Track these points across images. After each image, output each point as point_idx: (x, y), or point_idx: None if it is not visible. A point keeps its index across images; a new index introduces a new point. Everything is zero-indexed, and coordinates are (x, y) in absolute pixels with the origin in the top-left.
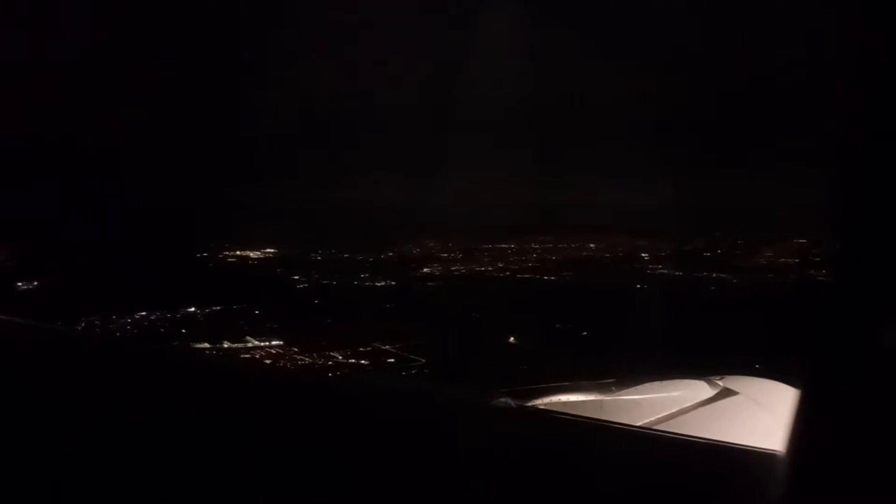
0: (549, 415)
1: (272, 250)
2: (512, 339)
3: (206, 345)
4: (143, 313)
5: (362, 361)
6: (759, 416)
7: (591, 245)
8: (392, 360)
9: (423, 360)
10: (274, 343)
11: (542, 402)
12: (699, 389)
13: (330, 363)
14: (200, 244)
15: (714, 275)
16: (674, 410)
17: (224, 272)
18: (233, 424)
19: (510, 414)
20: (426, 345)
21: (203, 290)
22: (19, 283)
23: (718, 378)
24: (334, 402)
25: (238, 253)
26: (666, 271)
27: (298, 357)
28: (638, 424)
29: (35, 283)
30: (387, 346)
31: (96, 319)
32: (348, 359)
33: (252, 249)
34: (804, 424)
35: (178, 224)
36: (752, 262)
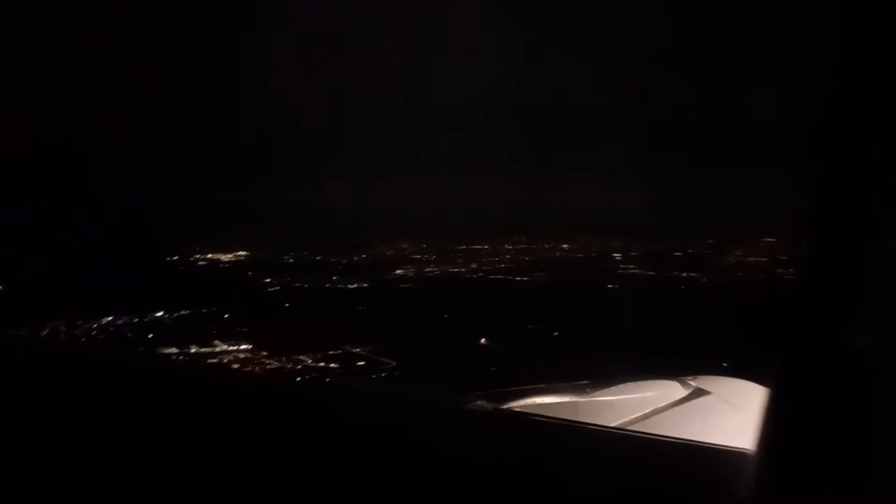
0: (524, 417)
1: (244, 253)
2: (483, 340)
3: (174, 349)
4: (110, 318)
5: (332, 365)
6: (730, 415)
7: (565, 245)
8: (362, 362)
9: (394, 363)
10: (243, 347)
11: (518, 404)
12: (672, 390)
13: (299, 367)
14: (170, 247)
15: (685, 274)
16: (648, 411)
17: (194, 275)
18: (198, 431)
19: (486, 416)
20: (397, 347)
21: (172, 293)
22: None
23: (691, 378)
24: (305, 406)
25: (209, 256)
26: (638, 271)
27: (267, 361)
28: (613, 425)
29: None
30: (357, 349)
31: (61, 324)
32: (318, 362)
33: (223, 252)
34: (774, 424)
35: (148, 227)
36: (722, 262)
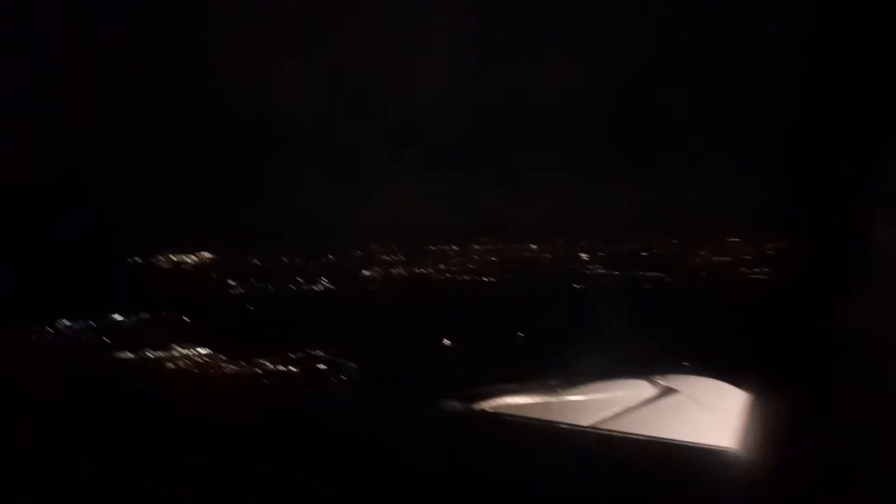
0: (497, 417)
1: (209, 255)
2: (447, 341)
3: (129, 354)
4: (65, 321)
5: (292, 368)
6: (699, 413)
7: (533, 246)
8: (323, 366)
9: (356, 366)
10: (201, 351)
11: (489, 404)
12: (642, 389)
13: (258, 371)
14: (133, 248)
15: (650, 274)
16: (618, 410)
17: (156, 277)
18: (145, 437)
19: (458, 417)
20: (360, 350)
21: (131, 296)
22: None
23: (660, 377)
24: (269, 414)
25: (173, 258)
26: (603, 271)
27: (225, 365)
28: (585, 424)
29: None
30: (318, 352)
31: (12, 328)
32: (277, 366)
33: (188, 254)
34: (758, 422)
35: (110, 227)
36: (687, 262)
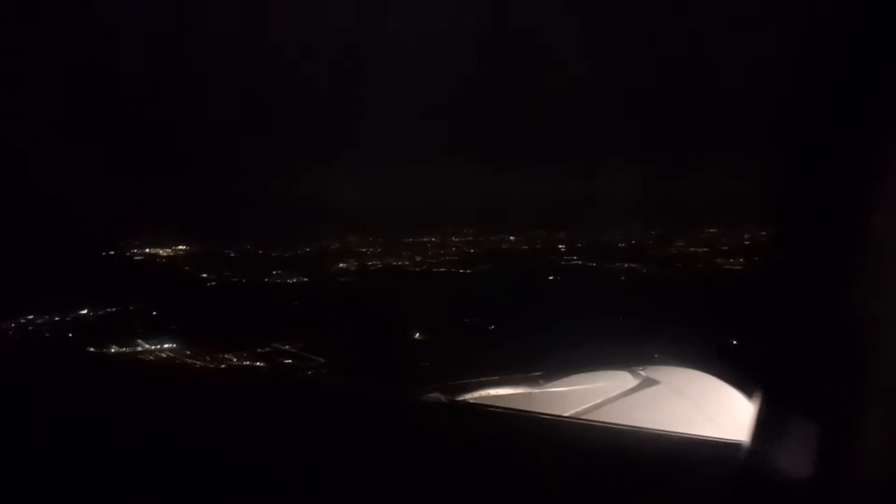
0: (479, 409)
1: (183, 247)
2: (418, 335)
3: (91, 349)
4: (31, 317)
5: (258, 363)
6: (678, 403)
7: (511, 237)
8: (290, 360)
9: (323, 360)
10: (166, 346)
11: (472, 396)
12: (623, 379)
13: (223, 366)
14: (106, 241)
15: (626, 265)
16: (599, 400)
17: (128, 270)
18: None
19: (441, 408)
20: (331, 344)
21: (102, 290)
22: None
23: (640, 368)
24: (246, 402)
25: (147, 250)
26: (580, 262)
27: (191, 361)
28: (566, 415)
29: None
30: (287, 346)
31: None
32: (244, 360)
33: (162, 247)
34: (767, 415)
35: (83, 219)
36: (664, 252)
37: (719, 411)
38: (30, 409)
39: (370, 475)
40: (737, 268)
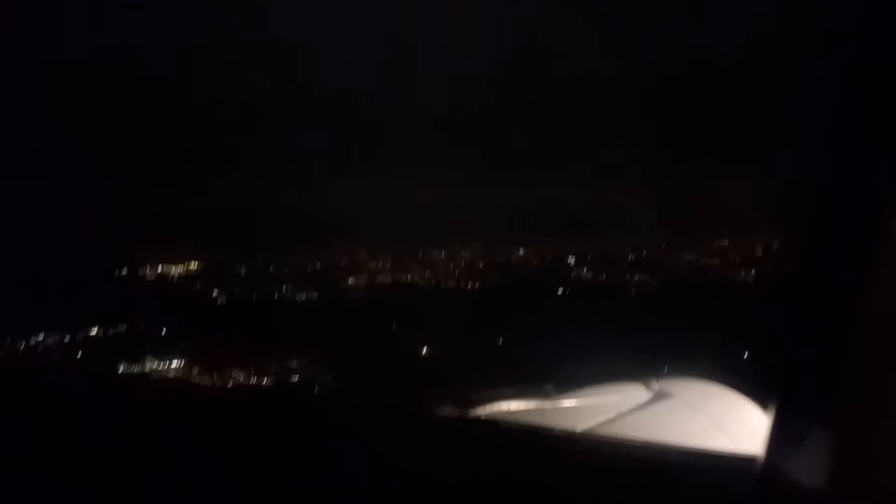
0: (491, 423)
1: (196, 262)
2: (426, 350)
3: (99, 369)
4: (41, 337)
5: (265, 380)
6: (693, 417)
7: (520, 250)
8: (298, 376)
9: (330, 377)
10: (174, 364)
11: (483, 410)
12: (636, 393)
13: (229, 384)
14: (117, 256)
15: (636, 277)
16: (613, 415)
17: (139, 288)
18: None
19: (452, 422)
20: (340, 360)
21: (112, 308)
22: None
23: (654, 381)
24: (257, 417)
25: (159, 267)
26: (590, 275)
27: (197, 378)
28: (579, 430)
29: None
30: (295, 363)
31: None
32: (250, 378)
33: (174, 262)
34: (783, 427)
35: (93, 234)
36: (675, 263)
37: (735, 424)
38: (38, 428)
39: (382, 490)
40: (750, 279)
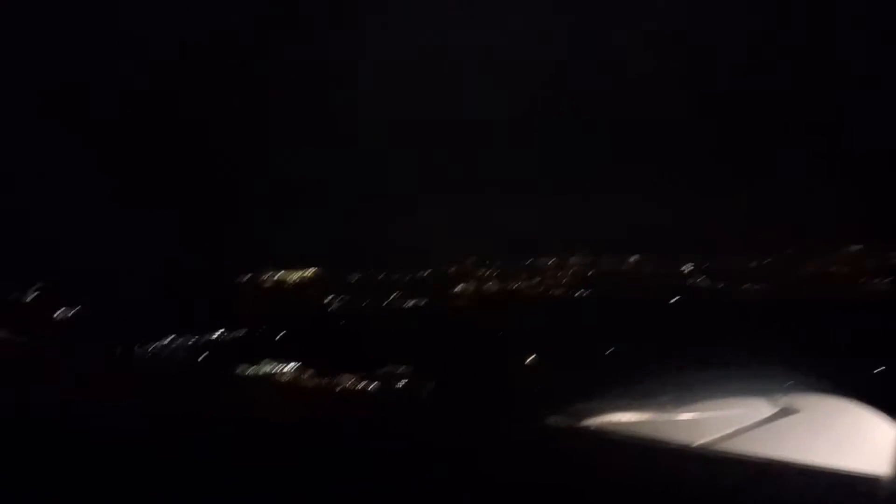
0: (602, 435)
1: (312, 269)
2: (533, 358)
3: (226, 368)
4: (172, 336)
5: (373, 384)
6: (822, 434)
7: (632, 258)
8: (404, 381)
9: (435, 384)
10: (290, 366)
11: (596, 421)
12: (758, 407)
13: (338, 388)
14: (241, 264)
15: (757, 287)
16: (733, 430)
17: (259, 294)
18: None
19: (562, 434)
20: (447, 367)
21: (233, 313)
22: (59, 311)
23: (778, 396)
24: (376, 424)
25: (277, 274)
26: (707, 283)
27: (309, 381)
28: (696, 444)
29: (77, 308)
30: (402, 368)
31: (130, 344)
32: (359, 382)
33: (293, 269)
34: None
35: (217, 245)
36: (799, 272)
37: (866, 442)
38: (164, 426)
39: (491, 501)
40: (883, 287)
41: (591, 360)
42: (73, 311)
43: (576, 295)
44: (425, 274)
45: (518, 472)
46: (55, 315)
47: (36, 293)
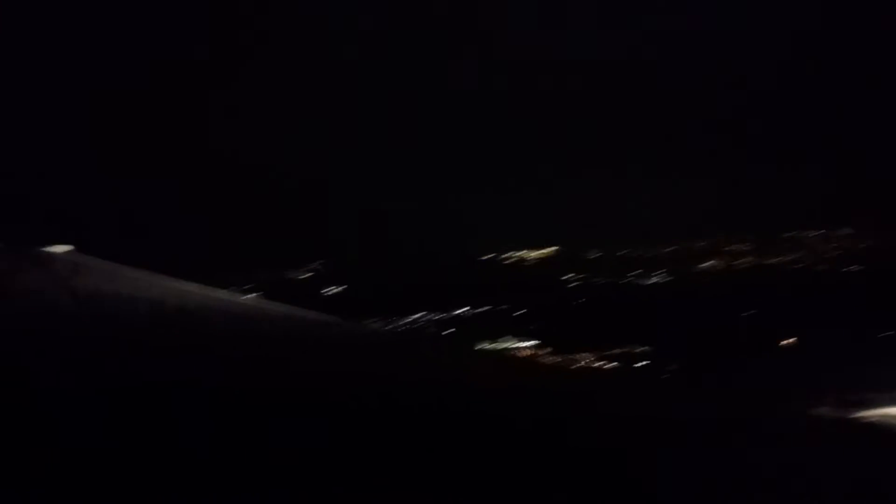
0: (884, 430)
1: (552, 248)
2: (794, 340)
3: (468, 343)
4: (423, 313)
5: (612, 364)
6: None
7: None
8: (645, 362)
9: (676, 366)
10: (528, 343)
11: (870, 413)
12: None
13: (575, 365)
14: (486, 244)
15: None
16: None
17: (501, 272)
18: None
19: (831, 427)
20: (686, 348)
21: (477, 291)
22: (325, 290)
23: None
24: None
25: (520, 252)
26: None
27: (547, 357)
28: None
29: (342, 287)
30: (642, 349)
31: (388, 318)
32: (597, 361)
33: (534, 248)
34: None
35: (463, 227)
36: None
37: None
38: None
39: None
40: None
41: (863, 345)
42: (339, 290)
43: (843, 270)
44: (667, 251)
45: (781, 469)
46: (323, 292)
47: (310, 273)
